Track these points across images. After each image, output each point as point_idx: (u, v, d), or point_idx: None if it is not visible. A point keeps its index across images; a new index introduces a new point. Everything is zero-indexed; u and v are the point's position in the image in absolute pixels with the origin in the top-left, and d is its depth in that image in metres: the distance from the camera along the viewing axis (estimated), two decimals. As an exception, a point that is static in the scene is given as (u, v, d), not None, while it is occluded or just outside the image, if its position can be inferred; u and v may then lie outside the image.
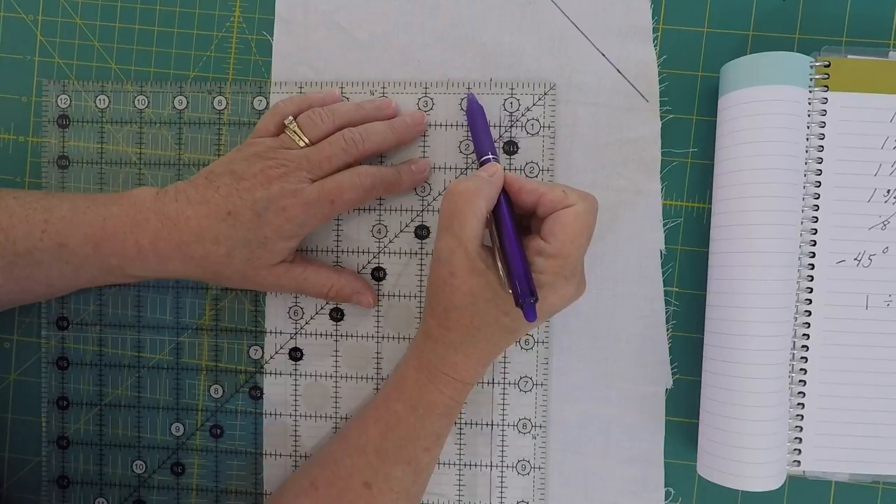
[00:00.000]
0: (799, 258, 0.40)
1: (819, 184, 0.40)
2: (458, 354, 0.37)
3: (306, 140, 0.39)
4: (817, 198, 0.40)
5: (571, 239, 0.35)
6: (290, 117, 0.39)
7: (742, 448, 0.38)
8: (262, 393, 0.44)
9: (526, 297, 0.34)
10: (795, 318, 0.40)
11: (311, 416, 0.44)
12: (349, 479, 0.38)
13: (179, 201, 0.37)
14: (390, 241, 0.43)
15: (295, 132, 0.39)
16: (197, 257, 0.37)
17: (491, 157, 0.39)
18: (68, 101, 0.44)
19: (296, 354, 0.44)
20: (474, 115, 0.41)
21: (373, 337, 0.44)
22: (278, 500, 0.40)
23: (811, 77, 0.39)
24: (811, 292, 0.40)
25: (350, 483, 0.38)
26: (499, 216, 0.37)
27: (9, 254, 0.38)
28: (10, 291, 0.39)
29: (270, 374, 0.44)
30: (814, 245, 0.40)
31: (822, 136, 0.40)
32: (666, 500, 0.43)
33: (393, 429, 0.38)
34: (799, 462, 0.40)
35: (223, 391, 0.45)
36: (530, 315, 0.34)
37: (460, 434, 0.43)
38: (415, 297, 0.43)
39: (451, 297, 0.36)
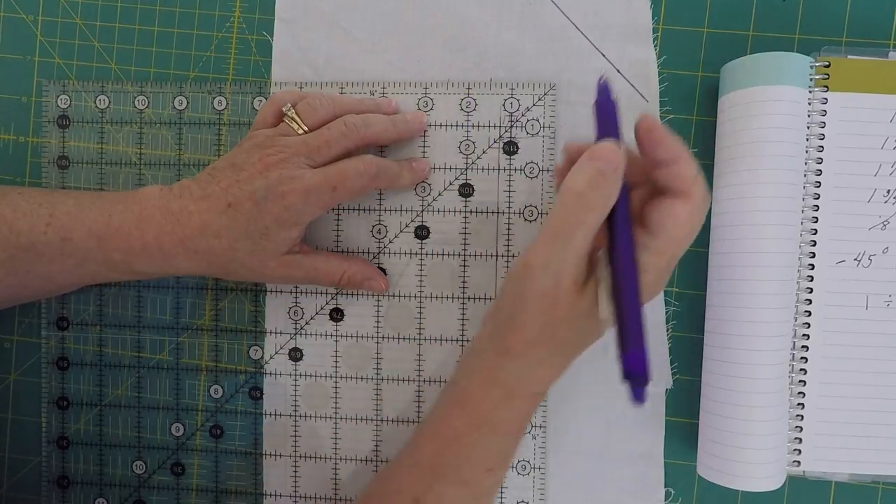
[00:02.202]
0: (799, 258, 0.40)
1: (819, 184, 0.40)
2: (545, 369, 0.34)
3: (305, 128, 0.38)
4: (817, 198, 0.40)
5: (680, 238, 0.31)
6: (289, 104, 0.39)
7: (742, 448, 0.38)
8: (262, 393, 0.44)
9: (640, 376, 0.28)
10: (795, 318, 0.40)
11: (311, 416, 0.44)
12: (398, 494, 0.35)
13: (183, 197, 0.38)
14: (390, 242, 0.43)
15: (293, 119, 0.39)
16: (201, 251, 0.37)
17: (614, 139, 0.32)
18: (68, 102, 0.44)
19: (296, 354, 0.44)
20: (606, 109, 0.33)
21: (373, 337, 0.44)
22: None
23: (811, 77, 0.39)
24: (811, 292, 0.40)
25: (399, 499, 0.35)
26: (616, 243, 0.30)
27: (11, 247, 0.38)
28: (9, 286, 0.39)
29: (270, 374, 0.44)
30: (814, 245, 0.40)
31: (822, 137, 0.40)
32: (666, 500, 0.43)
33: (450, 445, 0.34)
34: (799, 462, 0.40)
35: (223, 391, 0.45)
36: (639, 398, 0.28)
37: (460, 434, 0.43)
38: (414, 297, 0.43)
39: (550, 311, 0.31)
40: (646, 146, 0.31)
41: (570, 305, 0.31)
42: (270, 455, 0.44)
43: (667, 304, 0.42)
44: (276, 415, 0.44)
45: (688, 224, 0.31)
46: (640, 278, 0.30)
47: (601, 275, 0.31)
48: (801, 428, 0.40)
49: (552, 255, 0.31)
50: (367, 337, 0.44)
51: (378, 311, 0.43)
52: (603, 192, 0.30)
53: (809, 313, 0.40)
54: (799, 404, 0.40)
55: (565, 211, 0.31)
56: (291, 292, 0.44)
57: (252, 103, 0.44)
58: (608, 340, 0.42)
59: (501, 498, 0.43)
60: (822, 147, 0.40)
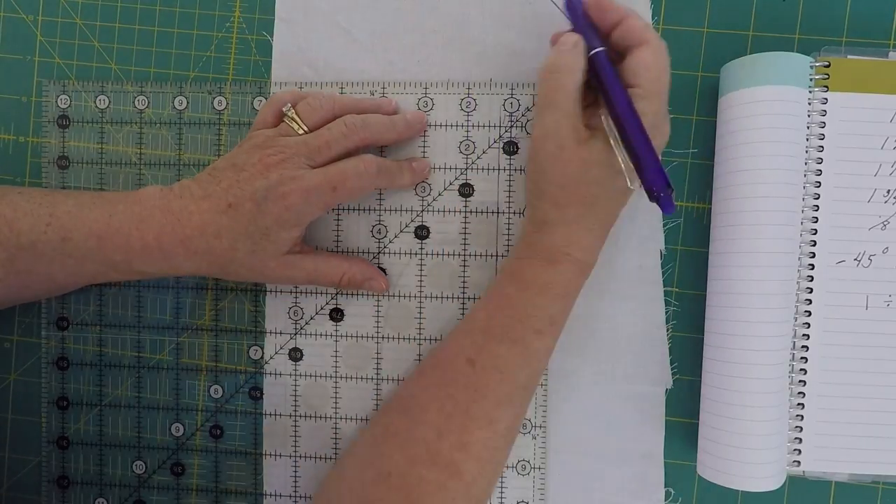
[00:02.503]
0: (799, 258, 0.40)
1: (819, 184, 0.40)
2: (582, 231, 0.36)
3: (305, 128, 0.39)
4: (817, 198, 0.40)
5: (656, 78, 0.35)
6: (289, 104, 0.39)
7: (742, 448, 0.38)
8: (262, 393, 0.44)
9: (663, 188, 0.33)
10: (795, 318, 0.40)
11: (311, 416, 0.44)
12: (454, 358, 0.37)
13: (184, 197, 0.38)
14: (390, 242, 0.43)
15: (293, 119, 0.39)
16: (201, 251, 0.38)
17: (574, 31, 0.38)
18: (68, 102, 0.44)
19: (296, 354, 0.44)
20: (573, 6, 0.38)
21: (373, 337, 0.44)
22: (395, 390, 0.41)
23: (811, 77, 0.39)
24: (811, 292, 0.40)
25: (454, 361, 0.37)
26: (612, 98, 0.35)
27: (12, 246, 0.38)
28: (10, 286, 0.39)
29: (270, 374, 0.44)
30: (814, 245, 0.40)
31: (822, 137, 0.40)
32: (666, 500, 0.43)
33: (502, 308, 0.37)
34: (799, 462, 0.40)
35: (223, 391, 0.45)
36: (669, 208, 0.33)
37: (460, 434, 0.43)
38: (414, 297, 0.43)
39: (563, 171, 0.35)
40: (597, 16, 0.37)
41: (579, 161, 0.35)
42: (270, 455, 0.44)
43: (667, 304, 0.42)
44: (276, 415, 0.44)
45: (655, 63, 0.35)
46: (643, 121, 0.35)
47: (609, 132, 0.35)
48: (801, 428, 0.40)
49: (546, 124, 0.36)
50: (367, 337, 0.44)
51: (378, 311, 0.43)
52: (568, 60, 0.36)
53: (809, 313, 0.40)
54: (799, 404, 0.40)
55: (544, 86, 0.36)
56: (291, 292, 0.44)
57: (252, 103, 0.44)
58: (602, 342, 0.42)
59: (502, 498, 0.43)
60: (822, 147, 0.40)
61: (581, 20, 0.37)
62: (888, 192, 0.40)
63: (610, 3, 0.36)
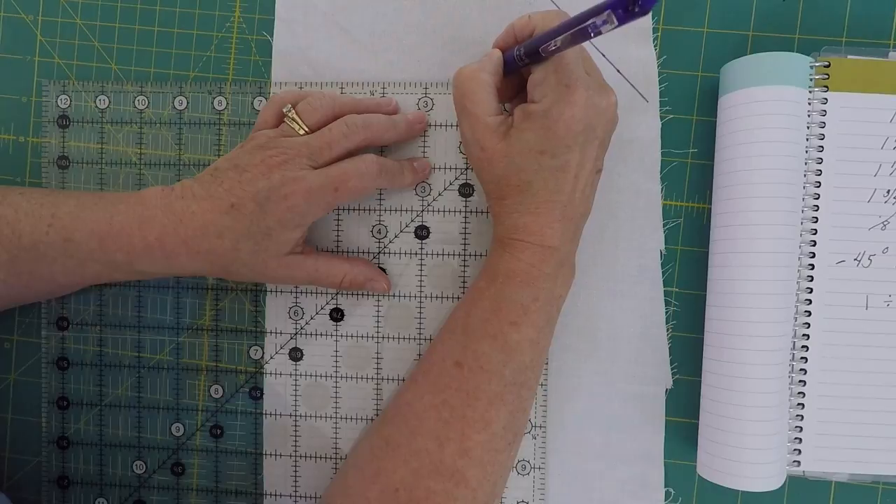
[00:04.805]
0: (799, 258, 0.40)
1: (819, 184, 0.40)
2: (525, 216, 0.37)
3: (306, 128, 0.39)
4: (817, 198, 0.40)
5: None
6: (289, 105, 0.39)
7: (742, 448, 0.38)
8: (262, 393, 0.44)
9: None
10: (795, 318, 0.40)
11: (311, 416, 0.44)
12: (442, 362, 0.38)
13: (185, 198, 0.38)
14: (390, 242, 0.43)
15: (294, 119, 0.39)
16: (203, 252, 0.38)
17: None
18: (68, 102, 0.44)
19: (296, 354, 0.44)
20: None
21: (373, 337, 0.44)
22: (391, 399, 0.41)
23: (811, 77, 0.39)
24: (811, 292, 0.40)
25: (443, 366, 0.38)
26: (511, 56, 0.37)
27: (14, 248, 0.38)
28: (11, 287, 0.39)
29: (270, 374, 0.44)
30: (814, 245, 0.40)
31: (822, 137, 0.40)
32: (666, 500, 0.43)
33: (476, 304, 0.38)
34: (799, 462, 0.40)
35: (223, 391, 0.45)
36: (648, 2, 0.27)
37: (460, 434, 0.43)
38: (414, 297, 0.43)
39: (491, 169, 0.37)
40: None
41: (502, 156, 0.36)
42: (270, 455, 0.44)
43: (667, 304, 0.42)
44: (276, 415, 0.44)
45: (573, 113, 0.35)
46: (540, 89, 0.36)
47: (532, 69, 0.36)
48: (801, 428, 0.40)
49: (464, 132, 0.38)
50: (367, 337, 0.44)
51: (378, 311, 0.43)
52: (470, 68, 0.37)
53: (809, 313, 0.40)
54: (799, 404, 0.40)
55: (454, 99, 0.38)
56: (292, 292, 0.44)
57: (252, 103, 0.44)
58: (602, 342, 0.42)
59: (502, 498, 0.43)
60: (822, 147, 0.40)
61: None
62: (888, 192, 0.40)
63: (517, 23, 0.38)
